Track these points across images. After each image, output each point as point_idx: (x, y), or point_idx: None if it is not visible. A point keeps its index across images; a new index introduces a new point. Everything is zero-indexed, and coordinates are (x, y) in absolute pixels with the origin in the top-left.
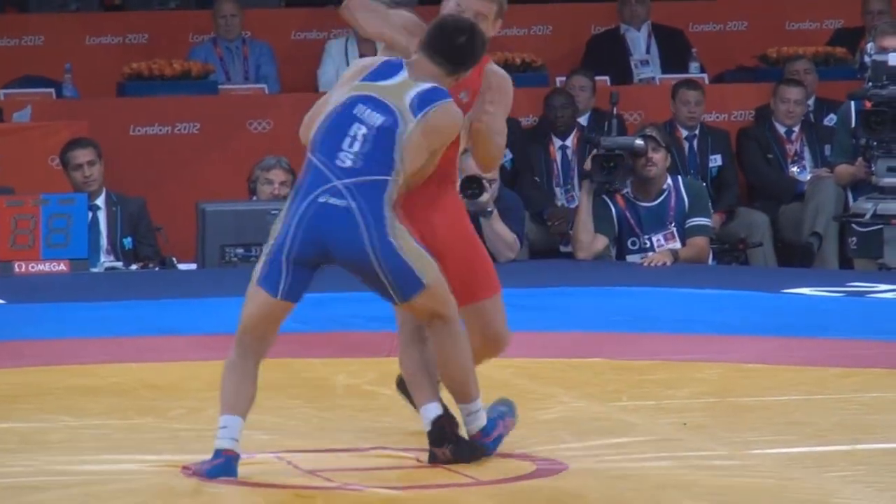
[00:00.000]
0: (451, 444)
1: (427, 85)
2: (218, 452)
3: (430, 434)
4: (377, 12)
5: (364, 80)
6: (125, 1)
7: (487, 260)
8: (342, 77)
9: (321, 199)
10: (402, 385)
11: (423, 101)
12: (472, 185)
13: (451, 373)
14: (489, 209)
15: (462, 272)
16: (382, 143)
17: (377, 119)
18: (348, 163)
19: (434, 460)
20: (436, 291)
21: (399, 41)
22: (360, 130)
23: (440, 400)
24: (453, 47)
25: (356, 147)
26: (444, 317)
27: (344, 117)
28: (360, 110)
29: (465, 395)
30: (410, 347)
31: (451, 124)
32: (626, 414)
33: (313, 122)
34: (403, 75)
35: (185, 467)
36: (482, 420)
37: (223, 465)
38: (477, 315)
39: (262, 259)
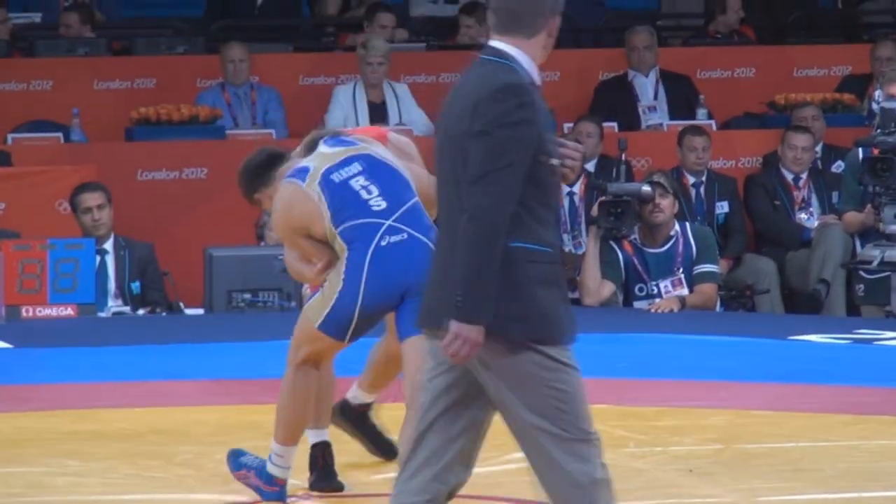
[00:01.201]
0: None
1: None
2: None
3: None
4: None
5: (300, 174)
6: (133, 45)
7: None
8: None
9: (382, 244)
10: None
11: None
12: None
13: None
14: None
15: None
16: (383, 172)
17: (354, 168)
18: (383, 204)
19: None
20: None
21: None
22: (359, 181)
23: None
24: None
25: (375, 191)
26: None
27: (337, 189)
28: (336, 176)
29: None
30: None
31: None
32: (632, 460)
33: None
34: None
35: None
36: None
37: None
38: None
39: (325, 304)
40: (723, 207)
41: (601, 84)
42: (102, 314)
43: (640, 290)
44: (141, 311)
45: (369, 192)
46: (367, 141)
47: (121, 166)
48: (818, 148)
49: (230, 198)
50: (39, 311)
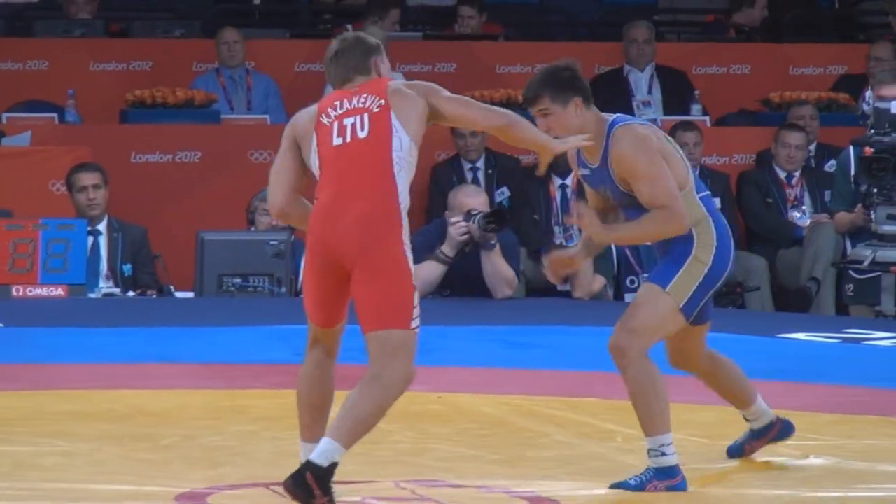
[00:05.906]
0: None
1: None
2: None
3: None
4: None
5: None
6: (130, 28)
7: None
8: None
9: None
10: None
11: None
12: (496, 219)
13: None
14: (492, 242)
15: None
16: None
17: None
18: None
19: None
20: None
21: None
22: None
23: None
24: None
25: None
26: None
27: None
28: None
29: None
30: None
31: None
32: (622, 455)
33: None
34: None
35: (177, 497)
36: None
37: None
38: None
39: (692, 280)
40: (715, 203)
41: (596, 78)
42: (93, 295)
43: (632, 282)
44: (131, 294)
45: None
46: None
47: (115, 148)
48: (812, 147)
49: (223, 182)
50: (30, 291)
